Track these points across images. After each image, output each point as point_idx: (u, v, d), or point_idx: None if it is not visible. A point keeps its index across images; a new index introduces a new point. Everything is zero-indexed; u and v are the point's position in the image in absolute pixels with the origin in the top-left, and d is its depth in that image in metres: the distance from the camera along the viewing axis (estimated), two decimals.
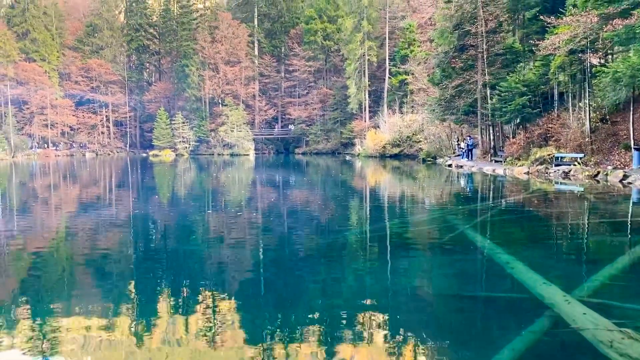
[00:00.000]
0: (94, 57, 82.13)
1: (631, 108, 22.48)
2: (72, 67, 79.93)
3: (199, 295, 6.71)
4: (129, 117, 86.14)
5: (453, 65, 35.31)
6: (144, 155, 77.38)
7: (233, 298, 6.60)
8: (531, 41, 30.33)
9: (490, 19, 33.14)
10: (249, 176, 33.50)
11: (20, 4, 77.00)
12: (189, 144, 76.90)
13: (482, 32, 32.84)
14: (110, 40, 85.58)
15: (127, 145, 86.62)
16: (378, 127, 59.22)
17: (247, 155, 72.06)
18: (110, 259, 8.88)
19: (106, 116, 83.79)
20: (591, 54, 25.14)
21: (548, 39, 26.17)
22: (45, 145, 75.42)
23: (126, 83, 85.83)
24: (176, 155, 74.48)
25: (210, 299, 6.52)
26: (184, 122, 76.32)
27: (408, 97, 56.23)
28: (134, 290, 7.06)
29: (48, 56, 76.83)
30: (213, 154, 73.60)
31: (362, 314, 5.90)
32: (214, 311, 6.07)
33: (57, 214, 15.52)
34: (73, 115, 78.54)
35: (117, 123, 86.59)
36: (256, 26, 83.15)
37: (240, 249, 9.62)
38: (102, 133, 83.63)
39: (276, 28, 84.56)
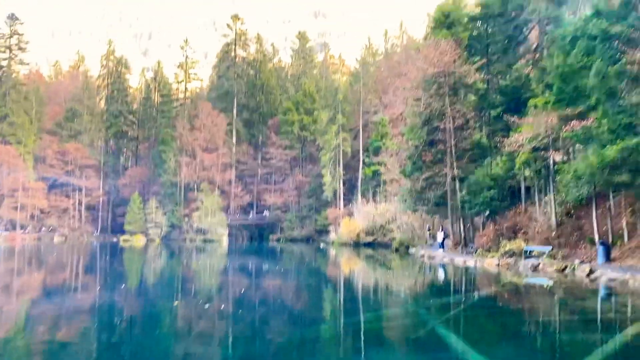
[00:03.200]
0: (71, 141, 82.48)
1: (594, 204, 23.36)
2: (48, 151, 79.96)
3: None
4: (102, 201, 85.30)
5: (423, 159, 36.51)
6: (115, 240, 75.82)
7: None
8: (497, 138, 31.81)
9: (458, 116, 34.80)
10: (220, 264, 32.98)
11: (1, 88, 78.16)
12: (162, 230, 75.91)
13: (450, 129, 34.34)
14: (89, 126, 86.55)
15: (98, 230, 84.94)
16: (352, 215, 59.73)
17: (220, 241, 71.26)
18: (69, 352, 8.52)
19: (79, 200, 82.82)
20: (554, 152, 26.44)
21: (512, 136, 27.55)
22: (13, 228, 73.49)
23: (102, 167, 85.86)
24: (147, 240, 73.19)
25: None
26: (157, 207, 75.79)
27: (381, 186, 57.36)
28: None
29: (25, 139, 76.97)
30: (185, 240, 72.60)
31: None
32: None
33: (17, 302, 14.93)
34: (45, 199, 77.45)
35: (89, 207, 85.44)
36: (235, 116, 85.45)
37: (207, 344, 9.35)
38: (73, 217, 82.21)
39: (254, 118, 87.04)
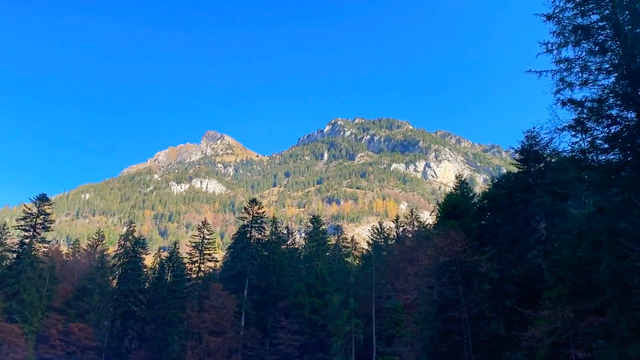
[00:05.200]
0: (78, 320, 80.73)
1: None
2: (53, 330, 77.79)
3: None
4: None
5: (440, 350, 34.88)
6: None
7: None
8: (514, 331, 30.66)
9: (472, 306, 34.12)
10: None
11: (18, 265, 79.27)
12: None
13: (465, 319, 33.40)
14: (98, 305, 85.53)
15: None
16: None
17: None
18: None
19: None
20: (575, 349, 25.19)
21: (530, 330, 26.55)
22: None
23: (104, 349, 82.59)
24: None
25: None
26: None
27: None
28: None
29: (31, 318, 75.57)
30: None
31: None
32: None
33: None
34: None
35: None
36: (245, 297, 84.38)
37: None
38: None
39: (265, 300, 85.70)
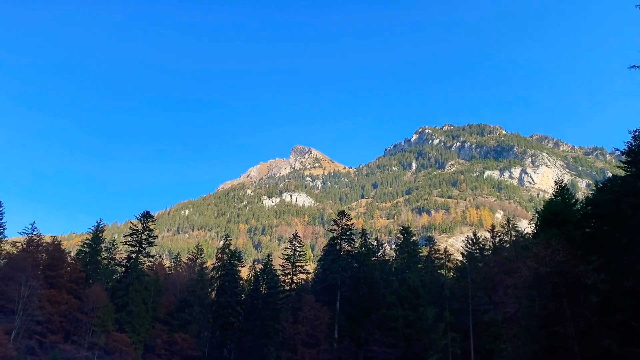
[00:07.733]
0: (180, 331, 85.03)
1: None
2: (158, 340, 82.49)
3: None
4: None
5: None
6: None
7: None
8: (629, 347, 28.14)
9: (579, 319, 31.82)
10: None
11: (127, 279, 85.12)
12: None
13: (572, 333, 31.22)
14: (199, 316, 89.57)
15: None
16: None
17: None
18: None
19: None
20: None
21: None
22: None
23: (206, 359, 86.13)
24: None
25: None
26: None
27: None
28: None
29: (139, 328, 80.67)
30: None
31: None
32: None
33: None
34: None
35: None
36: (338, 309, 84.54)
37: None
38: None
39: (357, 312, 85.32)
